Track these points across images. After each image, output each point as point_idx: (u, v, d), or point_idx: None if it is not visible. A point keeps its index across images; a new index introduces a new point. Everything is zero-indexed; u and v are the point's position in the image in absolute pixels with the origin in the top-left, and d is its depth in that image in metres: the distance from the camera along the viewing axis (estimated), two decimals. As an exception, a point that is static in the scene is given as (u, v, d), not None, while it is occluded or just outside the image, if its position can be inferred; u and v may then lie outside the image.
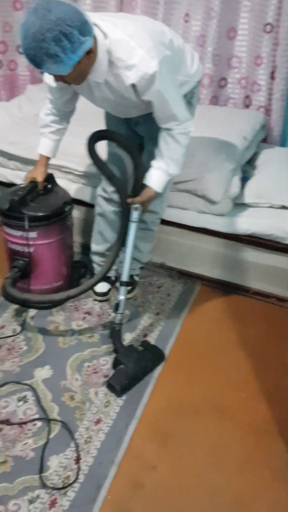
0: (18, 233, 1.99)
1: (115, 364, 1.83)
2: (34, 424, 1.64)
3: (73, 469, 1.50)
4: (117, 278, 2.21)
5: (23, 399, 1.72)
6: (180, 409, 1.73)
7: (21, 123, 2.74)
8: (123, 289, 1.89)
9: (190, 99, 1.81)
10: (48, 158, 1.97)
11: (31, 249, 2.01)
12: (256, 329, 2.10)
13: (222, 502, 1.45)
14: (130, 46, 1.45)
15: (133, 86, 1.51)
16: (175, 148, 1.68)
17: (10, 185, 2.53)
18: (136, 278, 2.28)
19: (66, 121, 1.91)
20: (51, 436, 1.60)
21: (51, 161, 1.98)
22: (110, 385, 1.76)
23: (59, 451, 1.55)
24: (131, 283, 2.17)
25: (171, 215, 2.25)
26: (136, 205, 1.80)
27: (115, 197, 2.01)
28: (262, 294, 2.26)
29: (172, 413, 1.72)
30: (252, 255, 2.20)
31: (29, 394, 1.74)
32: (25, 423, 1.64)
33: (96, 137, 1.82)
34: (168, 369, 1.88)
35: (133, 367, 1.78)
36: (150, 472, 1.52)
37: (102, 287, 2.22)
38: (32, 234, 1.98)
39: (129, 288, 2.16)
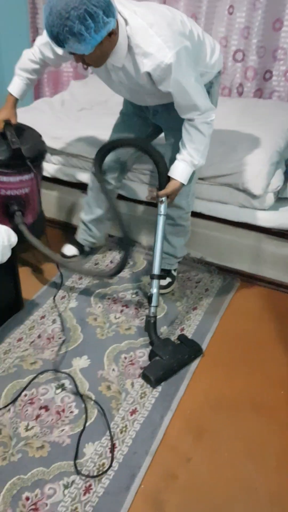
0: (17, 178, 1.98)
1: (151, 356, 1.84)
2: (71, 412, 1.67)
3: (108, 457, 1.52)
4: (92, 249, 2.34)
5: (61, 387, 1.76)
6: (216, 403, 1.72)
7: (63, 118, 2.78)
8: (155, 282, 1.89)
9: (208, 89, 1.79)
10: (16, 100, 1.96)
11: (28, 189, 2.01)
12: (296, 326, 2.05)
13: (258, 497, 1.43)
14: (148, 34, 1.46)
15: (148, 74, 1.52)
16: (198, 138, 1.68)
17: (53, 180, 2.58)
18: (174, 273, 2.27)
19: (42, 72, 1.94)
20: (87, 424, 1.62)
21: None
22: (145, 376, 1.77)
23: (94, 439, 1.58)
24: (164, 276, 2.15)
25: (211, 209, 2.23)
26: (162, 198, 1.80)
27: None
28: (304, 291, 2.21)
29: (208, 407, 1.70)
30: (294, 251, 2.15)
31: (67, 382, 1.77)
32: (62, 410, 1.67)
33: (106, 150, 1.88)
34: (205, 363, 1.87)
35: (168, 359, 1.78)
36: (185, 464, 1.52)
37: (69, 250, 2.32)
38: (32, 175, 1.99)
39: (164, 282, 2.17)
